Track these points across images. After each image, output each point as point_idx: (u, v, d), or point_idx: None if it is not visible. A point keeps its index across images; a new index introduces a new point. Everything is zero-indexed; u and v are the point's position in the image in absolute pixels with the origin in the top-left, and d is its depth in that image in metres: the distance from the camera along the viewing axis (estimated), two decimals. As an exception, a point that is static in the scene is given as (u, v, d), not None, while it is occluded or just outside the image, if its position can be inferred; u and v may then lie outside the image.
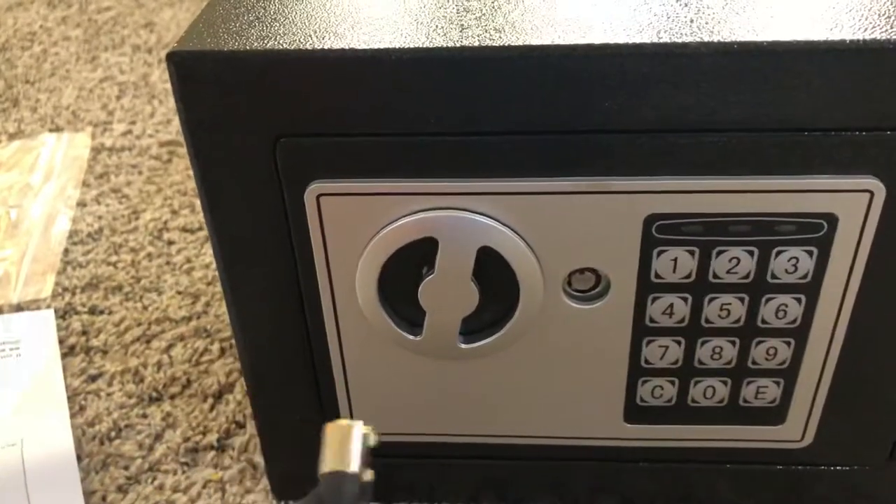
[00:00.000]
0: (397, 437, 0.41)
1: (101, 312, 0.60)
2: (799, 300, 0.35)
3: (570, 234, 0.34)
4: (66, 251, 0.67)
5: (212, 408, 0.52)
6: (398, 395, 0.40)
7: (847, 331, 0.36)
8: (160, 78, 0.93)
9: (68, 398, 0.53)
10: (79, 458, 0.48)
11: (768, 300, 0.35)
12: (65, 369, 0.55)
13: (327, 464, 0.25)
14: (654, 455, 0.41)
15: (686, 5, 0.33)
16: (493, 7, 0.34)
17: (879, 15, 0.32)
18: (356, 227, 0.35)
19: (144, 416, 0.51)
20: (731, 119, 0.32)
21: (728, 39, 0.30)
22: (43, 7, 1.12)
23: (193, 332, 0.58)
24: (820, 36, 0.30)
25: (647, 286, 0.36)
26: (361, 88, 0.32)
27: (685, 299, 0.36)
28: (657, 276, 0.35)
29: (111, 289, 0.62)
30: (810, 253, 0.34)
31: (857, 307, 0.35)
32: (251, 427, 0.50)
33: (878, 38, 0.30)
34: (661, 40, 0.31)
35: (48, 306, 0.61)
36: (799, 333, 0.36)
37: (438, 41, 0.31)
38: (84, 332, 0.58)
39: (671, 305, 0.36)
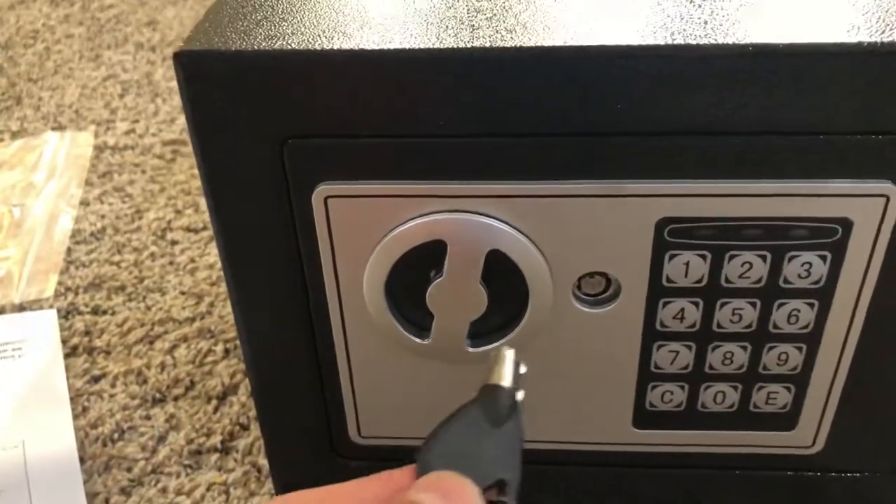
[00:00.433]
0: (403, 441, 0.41)
1: (104, 313, 0.60)
2: (812, 305, 0.35)
3: (581, 238, 0.34)
4: (69, 250, 0.66)
5: (216, 409, 0.51)
6: (405, 398, 0.40)
7: (860, 337, 0.36)
8: (163, 76, 0.93)
9: (71, 399, 0.52)
10: (81, 460, 0.48)
11: (781, 305, 0.35)
12: (67, 370, 0.55)
13: (490, 378, 0.28)
14: (663, 461, 0.41)
15: (700, 6, 0.33)
16: (505, 7, 0.34)
17: (896, 17, 0.31)
18: (364, 229, 0.34)
19: (148, 417, 0.51)
20: (746, 122, 0.31)
21: (743, 41, 0.30)
22: (46, 5, 1.12)
23: (197, 332, 0.57)
24: (836, 38, 0.30)
25: (658, 290, 0.35)
26: (370, 89, 0.32)
27: (696, 304, 0.35)
28: (668, 280, 0.35)
29: (114, 289, 0.62)
30: (824, 258, 0.34)
31: (870, 313, 0.35)
32: (256, 429, 0.49)
33: (896, 40, 0.29)
34: (675, 42, 0.30)
35: (51, 306, 0.60)
36: (811, 339, 0.36)
37: (449, 42, 0.31)
38: (87, 333, 0.58)
39: (682, 310, 0.36)
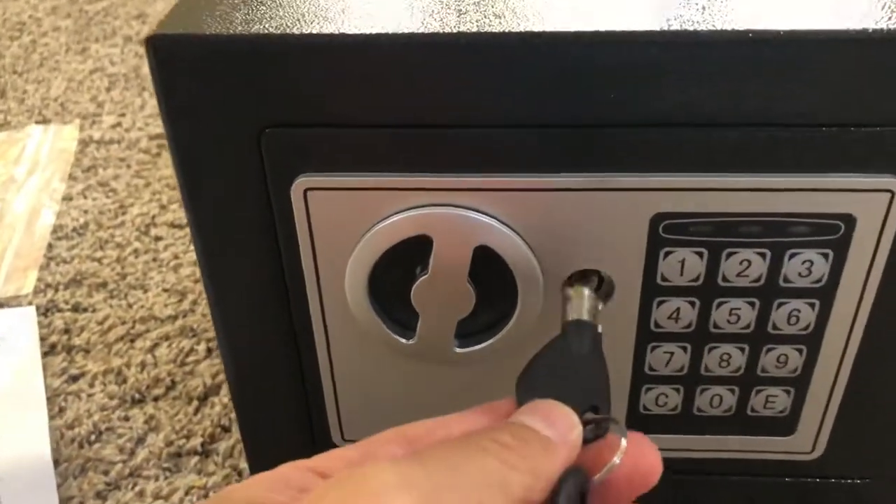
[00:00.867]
0: (388, 444, 0.39)
1: (85, 310, 0.58)
2: (812, 305, 0.34)
3: (572, 234, 0.33)
4: (50, 246, 0.65)
5: (196, 411, 0.50)
6: (389, 401, 0.38)
7: (862, 338, 0.34)
8: (151, 70, 0.91)
9: (47, 399, 0.51)
10: (56, 463, 0.46)
11: (780, 305, 0.34)
12: (45, 369, 0.53)
13: (569, 315, 0.31)
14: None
15: (697, -8, 0.31)
16: (493, -8, 0.32)
17: (903, 3, 0.30)
18: (345, 223, 0.33)
19: (126, 418, 0.50)
20: (744, 113, 0.30)
21: (742, 28, 0.29)
22: (33, -3, 1.10)
23: (179, 331, 0.56)
24: (840, 25, 0.28)
25: (652, 289, 0.34)
26: (352, 76, 0.30)
27: (692, 303, 0.34)
28: (663, 278, 0.33)
29: (95, 286, 0.60)
30: (825, 256, 0.32)
31: (873, 313, 0.34)
32: (237, 431, 0.48)
33: (903, 27, 0.28)
34: (672, 28, 0.29)
35: (29, 303, 0.59)
36: (811, 340, 0.34)
37: (434, 26, 0.30)
38: (66, 331, 0.56)
39: (678, 310, 0.34)
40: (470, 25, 0.29)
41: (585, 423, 0.26)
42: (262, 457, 0.42)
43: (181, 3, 0.33)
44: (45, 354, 0.54)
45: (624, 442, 0.26)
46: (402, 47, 0.29)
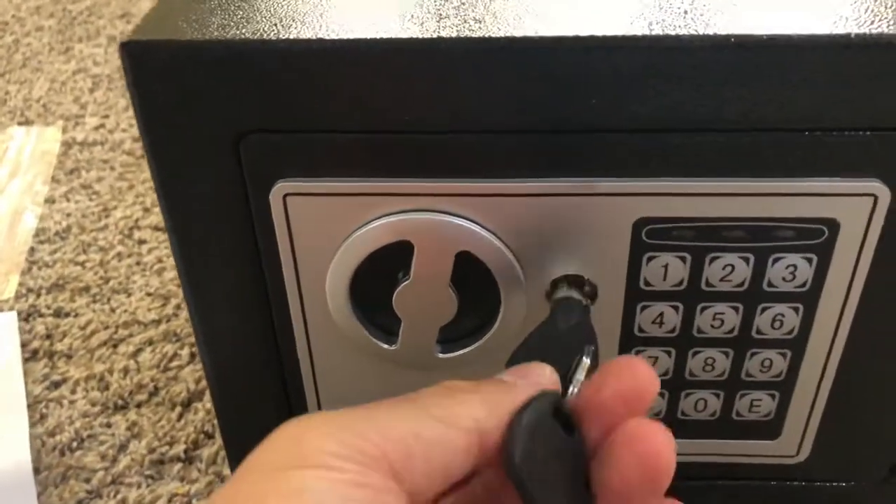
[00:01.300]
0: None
1: (67, 315, 0.58)
2: (796, 310, 0.33)
3: (555, 239, 0.32)
4: (32, 250, 0.64)
5: (180, 417, 0.49)
6: (372, 407, 0.38)
7: (846, 342, 0.34)
8: (136, 70, 0.90)
9: (28, 406, 0.50)
10: (37, 471, 0.46)
11: (764, 310, 0.33)
12: (26, 375, 0.52)
13: (558, 294, 0.32)
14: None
15: (679, -5, 0.31)
16: (474, -5, 0.32)
17: (886, 7, 0.29)
18: (326, 229, 0.33)
19: (108, 425, 0.49)
20: (727, 117, 0.30)
21: (725, 32, 0.28)
22: (16, -4, 1.09)
23: (163, 336, 0.55)
24: (823, 29, 0.28)
25: (635, 294, 0.33)
26: (330, 81, 0.30)
27: (676, 308, 0.34)
28: (647, 283, 0.33)
29: (78, 290, 0.60)
30: (809, 260, 0.32)
31: (857, 318, 0.33)
32: (221, 437, 0.47)
33: (886, 31, 0.28)
34: (653, 32, 0.28)
35: (11, 308, 0.58)
36: (796, 344, 0.34)
37: (413, 31, 0.29)
38: (48, 336, 0.56)
39: (661, 314, 0.34)
40: (450, 30, 0.29)
41: (570, 381, 0.26)
42: (245, 464, 0.41)
43: (157, 7, 0.32)
44: (26, 360, 0.54)
45: (586, 360, 0.27)
46: (381, 52, 0.29)
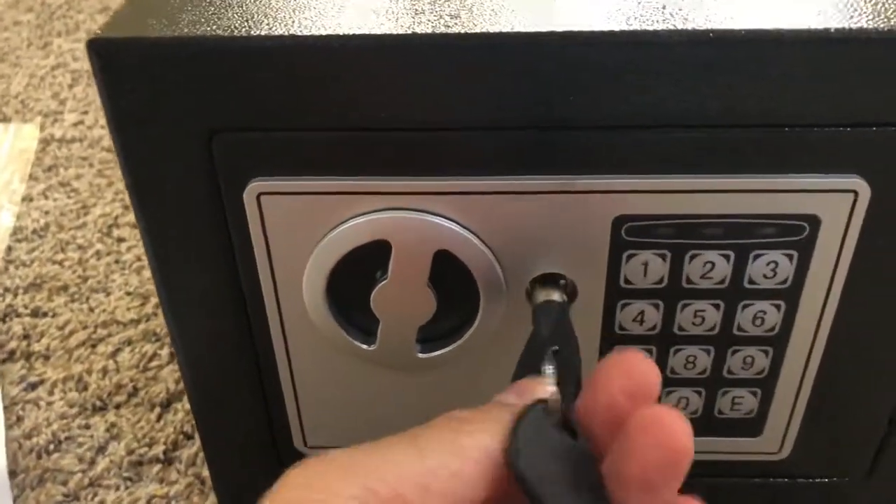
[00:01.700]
0: (352, 451, 0.39)
1: (45, 315, 0.57)
2: (778, 307, 0.33)
3: (534, 237, 0.32)
4: (9, 249, 0.63)
5: (159, 417, 0.49)
6: (351, 407, 0.37)
7: (828, 339, 0.34)
8: (115, 65, 0.89)
9: (4, 408, 0.49)
10: (13, 474, 0.45)
11: (745, 307, 0.33)
12: (2, 376, 0.52)
13: (539, 298, 0.32)
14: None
15: (658, -11, 0.31)
16: (449, -10, 0.31)
17: (866, 1, 0.29)
18: (301, 228, 0.32)
19: (87, 426, 0.48)
20: (706, 114, 0.29)
21: (703, 27, 0.28)
22: (-6, -9, 1.08)
23: (142, 335, 0.54)
24: (802, 24, 0.28)
25: (616, 292, 0.33)
26: (303, 78, 0.29)
27: (657, 306, 0.33)
28: (627, 281, 0.33)
29: (56, 289, 0.59)
30: (790, 257, 0.32)
31: (838, 314, 0.33)
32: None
33: (865, 26, 0.28)
34: (631, 28, 0.28)
35: (-13, 308, 0.57)
36: (777, 341, 0.34)
37: (388, 27, 0.29)
38: (25, 336, 0.55)
39: (642, 312, 0.34)
40: (425, 27, 0.29)
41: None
42: (225, 466, 0.41)
43: (126, 4, 0.31)
44: (2, 361, 0.53)
45: (549, 367, 0.27)
46: (355, 48, 0.29)
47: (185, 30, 0.29)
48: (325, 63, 0.29)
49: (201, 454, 0.46)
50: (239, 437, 0.39)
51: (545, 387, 0.26)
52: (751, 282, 0.33)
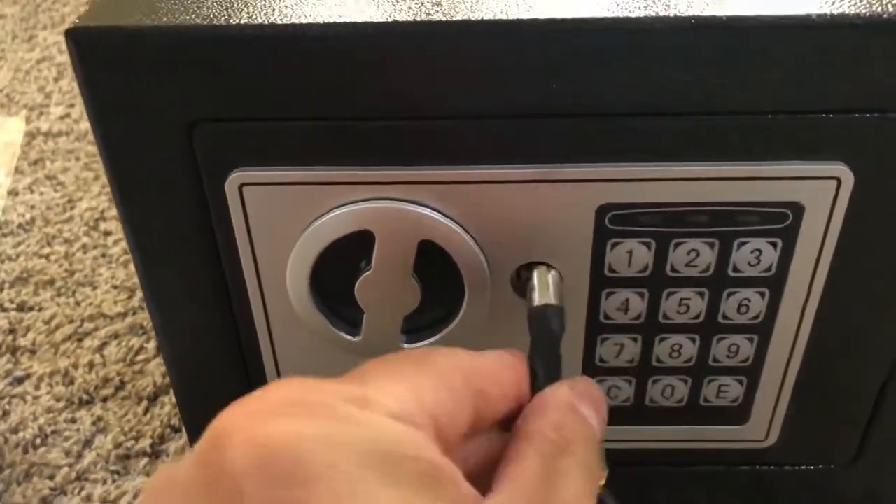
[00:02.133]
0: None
1: (31, 309, 0.56)
2: (762, 294, 0.33)
3: (518, 226, 0.32)
4: (-5, 243, 0.63)
5: (146, 411, 0.48)
6: (337, 399, 0.37)
7: (812, 326, 0.34)
8: (102, 58, 0.89)
9: (-10, 403, 0.49)
10: (-1, 469, 0.45)
11: (730, 295, 0.33)
12: (-12, 371, 0.51)
13: (536, 301, 0.31)
14: (611, 458, 0.39)
15: (640, -24, 0.31)
16: (431, -22, 0.31)
17: (848, -14, 0.29)
18: (284, 219, 0.32)
19: (73, 420, 0.48)
20: (689, 101, 0.29)
21: (685, 14, 0.28)
22: (-21, -17, 1.07)
23: (129, 329, 0.54)
24: (784, 10, 0.28)
25: (600, 281, 0.33)
26: (284, 67, 0.29)
27: (641, 294, 0.33)
28: (611, 269, 0.33)
29: (42, 283, 0.59)
30: (774, 244, 0.32)
31: (823, 301, 0.33)
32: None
33: (847, 12, 0.27)
34: (613, 15, 0.28)
35: (-27, 303, 0.57)
36: (762, 329, 0.34)
37: (368, 14, 0.28)
38: (11, 331, 0.55)
39: (626, 301, 0.34)
40: (406, 14, 0.28)
41: None
42: (211, 458, 0.41)
43: (105, -8, 0.31)
44: (-11, 356, 0.53)
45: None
46: (334, 36, 0.28)
47: (164, 18, 0.29)
48: (305, 51, 0.29)
49: (188, 447, 0.46)
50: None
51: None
52: (735, 270, 0.33)
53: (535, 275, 0.32)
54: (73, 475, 0.45)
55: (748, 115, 0.30)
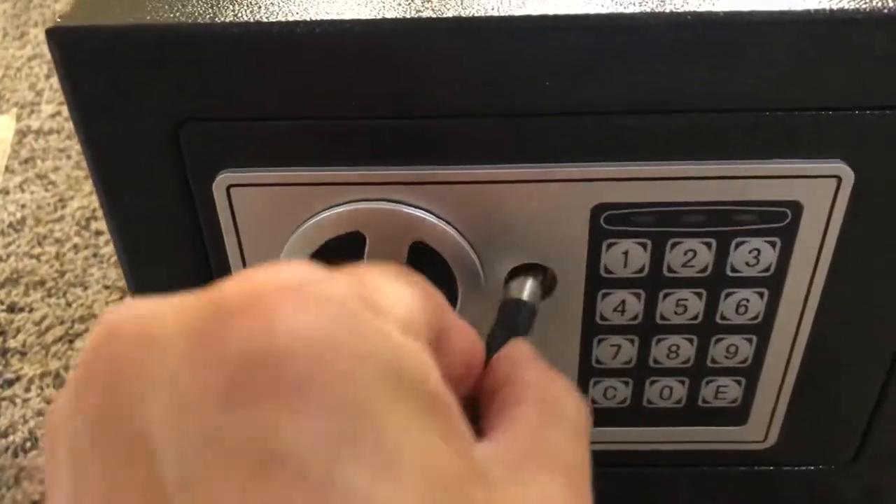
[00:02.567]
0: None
1: (21, 310, 0.56)
2: (761, 294, 0.33)
3: (511, 227, 0.31)
4: (-15, 243, 0.62)
5: (137, 413, 0.48)
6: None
7: (812, 326, 0.33)
8: (93, 55, 0.88)
9: (-20, 406, 0.49)
10: (-12, 474, 0.44)
11: (728, 295, 0.33)
12: (-22, 374, 0.51)
13: (509, 294, 0.31)
14: (608, 460, 0.39)
15: (635, -29, 0.30)
16: (421, -27, 0.31)
17: (847, -19, 0.28)
18: (273, 221, 0.31)
19: (64, 423, 0.47)
20: (686, 99, 0.29)
21: (681, 10, 0.27)
22: (-31, -20, 1.06)
23: (120, 330, 0.54)
24: (782, 6, 0.27)
25: (596, 282, 0.32)
26: (271, 66, 0.28)
27: (638, 295, 0.33)
28: (607, 270, 0.32)
29: (33, 284, 0.58)
30: (773, 244, 0.31)
31: (822, 301, 0.33)
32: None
33: (846, 7, 0.27)
34: (607, 11, 0.27)
35: (-38, 304, 0.56)
36: (761, 330, 0.34)
37: (357, 12, 0.28)
38: (1, 333, 0.54)
39: (623, 302, 0.33)
40: (395, 11, 0.28)
41: None
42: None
43: (88, -10, 0.30)
44: (-22, 358, 0.52)
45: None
46: (323, 34, 0.28)
47: (148, 17, 0.28)
48: (292, 50, 0.28)
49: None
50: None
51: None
52: (733, 270, 0.32)
53: (517, 280, 0.32)
54: (64, 479, 0.44)
55: (746, 113, 0.29)
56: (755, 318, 0.33)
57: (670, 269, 0.32)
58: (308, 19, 0.28)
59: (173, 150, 0.30)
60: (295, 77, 0.29)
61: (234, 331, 0.16)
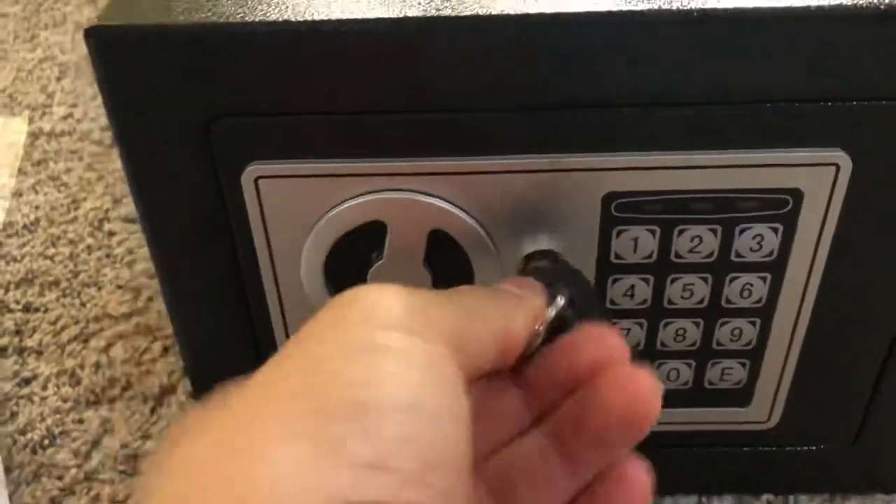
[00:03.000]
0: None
1: (37, 310, 0.57)
2: (764, 279, 0.34)
3: (526, 215, 0.33)
4: (0, 245, 0.63)
5: (153, 411, 0.49)
6: (350, 388, 0.38)
7: (813, 309, 0.35)
8: (99, 62, 0.89)
9: (-1, 403, 0.50)
10: (8, 470, 0.45)
11: (733, 279, 0.34)
12: (-4, 371, 0.52)
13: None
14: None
15: (642, -29, 0.32)
16: (439, -26, 0.32)
17: (843, -22, 0.30)
18: (299, 211, 0.33)
19: (81, 421, 0.49)
20: (691, 92, 0.30)
21: (687, 7, 0.29)
22: (-26, -12, 1.07)
23: (134, 329, 0.55)
24: (783, 1, 0.29)
25: (606, 267, 0.34)
26: (299, 63, 0.30)
27: (647, 280, 0.34)
28: (617, 256, 0.34)
29: (47, 284, 0.59)
30: (775, 230, 0.33)
31: (823, 285, 0.34)
32: (198, 426, 0.47)
33: (845, 2, 0.28)
34: (616, 8, 0.29)
35: (-21, 304, 0.57)
36: (764, 313, 0.35)
37: (379, 11, 0.29)
38: (17, 332, 0.55)
39: (632, 287, 0.34)
40: (415, 10, 0.29)
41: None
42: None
43: (121, -8, 0.32)
44: (-4, 357, 0.53)
45: (560, 300, 0.26)
46: (348, 33, 0.29)
47: (181, 17, 0.29)
48: (318, 48, 0.29)
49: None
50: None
51: (540, 289, 0.27)
52: (738, 255, 0.33)
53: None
54: (82, 476, 0.45)
55: (749, 105, 0.30)
56: (759, 301, 0.35)
57: (678, 255, 0.33)
58: (333, 18, 0.29)
59: (204, 144, 0.31)
60: (321, 73, 0.30)
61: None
